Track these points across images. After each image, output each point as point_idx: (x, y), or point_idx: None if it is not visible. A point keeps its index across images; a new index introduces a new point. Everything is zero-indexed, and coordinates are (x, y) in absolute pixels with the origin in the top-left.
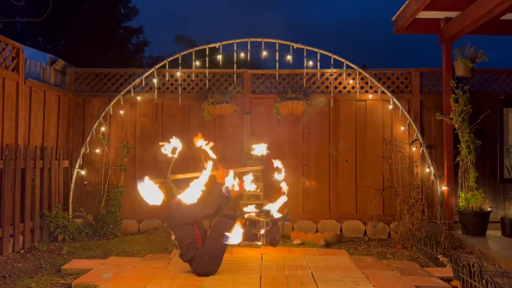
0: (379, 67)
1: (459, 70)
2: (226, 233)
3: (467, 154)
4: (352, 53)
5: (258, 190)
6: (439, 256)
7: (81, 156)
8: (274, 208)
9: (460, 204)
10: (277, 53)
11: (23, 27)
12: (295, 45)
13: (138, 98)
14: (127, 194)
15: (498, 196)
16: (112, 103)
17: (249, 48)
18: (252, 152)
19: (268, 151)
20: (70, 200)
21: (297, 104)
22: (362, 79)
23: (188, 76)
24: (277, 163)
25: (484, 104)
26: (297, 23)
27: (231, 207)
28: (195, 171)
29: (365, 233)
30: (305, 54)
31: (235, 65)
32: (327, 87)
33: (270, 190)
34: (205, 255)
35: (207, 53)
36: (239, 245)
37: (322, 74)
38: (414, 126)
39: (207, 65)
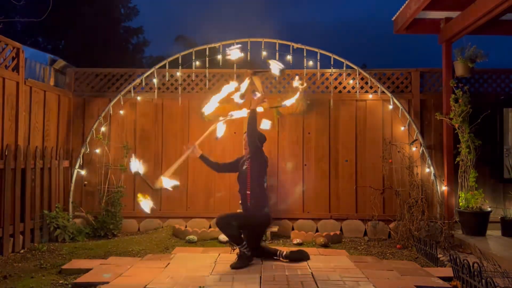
0: (379, 67)
1: (459, 70)
2: None
3: (467, 154)
4: (352, 53)
5: None
6: (439, 256)
7: (81, 156)
8: None
9: (460, 204)
10: (277, 53)
11: (23, 27)
12: (295, 45)
13: (138, 98)
14: (127, 194)
15: (498, 196)
16: (112, 103)
17: (249, 48)
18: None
19: None
20: (70, 200)
21: (297, 104)
22: (362, 79)
23: (188, 76)
24: None
25: (484, 104)
26: (297, 24)
27: None
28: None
29: (365, 233)
30: (305, 54)
31: (235, 65)
32: (327, 87)
33: (269, 190)
34: None
35: (207, 53)
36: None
37: (322, 74)
38: (414, 126)
39: (207, 65)
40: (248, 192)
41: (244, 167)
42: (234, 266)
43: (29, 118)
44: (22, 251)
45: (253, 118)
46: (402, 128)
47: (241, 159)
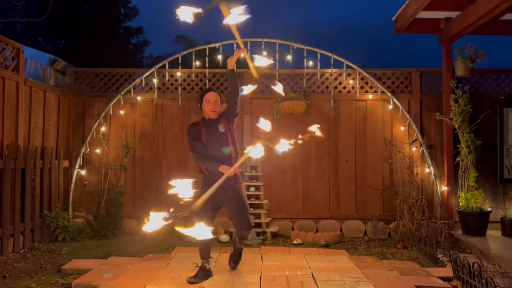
0: (379, 67)
1: (459, 70)
2: None
3: (467, 154)
4: (352, 53)
5: (259, 191)
6: (439, 256)
7: (81, 156)
8: None
9: (460, 204)
10: (277, 53)
11: (23, 27)
12: (295, 45)
13: (138, 98)
14: (127, 194)
15: (498, 196)
16: (112, 103)
17: (249, 48)
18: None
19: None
20: (70, 200)
21: (297, 104)
22: (362, 79)
23: (188, 76)
24: None
25: (484, 104)
26: (297, 24)
27: None
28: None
29: (365, 233)
30: (305, 54)
31: (235, 65)
32: (327, 87)
33: (268, 190)
34: None
35: (207, 53)
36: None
37: (322, 74)
38: (414, 126)
39: (207, 65)
40: (234, 155)
41: (222, 130)
42: (234, 267)
43: (29, 118)
44: (22, 251)
45: (236, 76)
46: (402, 128)
47: (201, 126)
